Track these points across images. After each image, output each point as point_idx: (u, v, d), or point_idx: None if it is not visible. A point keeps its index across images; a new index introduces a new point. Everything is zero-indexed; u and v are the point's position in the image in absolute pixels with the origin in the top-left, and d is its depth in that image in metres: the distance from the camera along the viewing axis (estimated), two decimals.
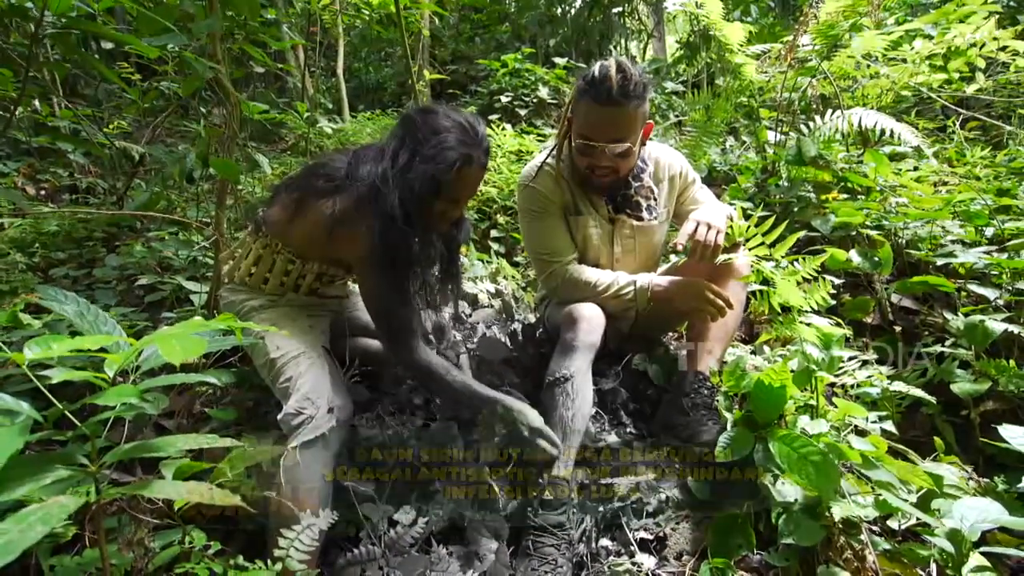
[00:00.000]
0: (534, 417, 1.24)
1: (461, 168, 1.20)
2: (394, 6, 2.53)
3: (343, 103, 4.36)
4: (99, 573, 0.95)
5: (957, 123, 3.31)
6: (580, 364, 1.34)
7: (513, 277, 2.32)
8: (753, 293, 1.51)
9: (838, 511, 0.99)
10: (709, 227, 1.34)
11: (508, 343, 1.63)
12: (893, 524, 1.11)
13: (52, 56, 2.37)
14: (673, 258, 2.27)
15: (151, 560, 0.93)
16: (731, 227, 1.32)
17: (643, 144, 1.48)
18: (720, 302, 1.36)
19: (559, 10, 6.45)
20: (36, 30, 0.97)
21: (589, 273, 1.50)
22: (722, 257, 1.35)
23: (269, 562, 0.91)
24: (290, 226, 1.31)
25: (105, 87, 3.42)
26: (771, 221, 1.26)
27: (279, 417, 1.19)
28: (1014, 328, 1.40)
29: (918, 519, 1.02)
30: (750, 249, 1.26)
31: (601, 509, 1.25)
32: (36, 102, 2.72)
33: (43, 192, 3.18)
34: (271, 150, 3.92)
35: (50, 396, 0.78)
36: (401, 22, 2.40)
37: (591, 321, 1.38)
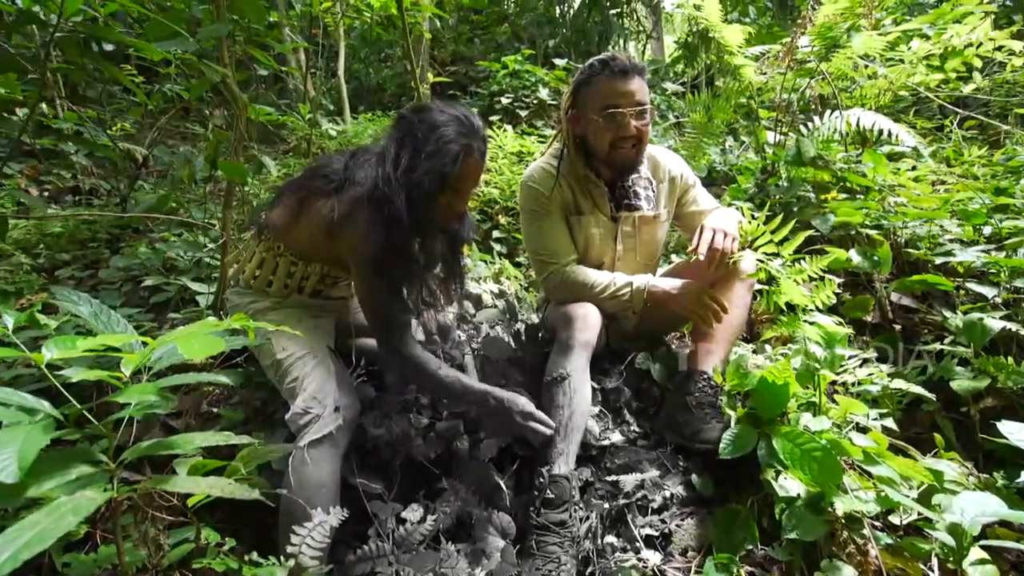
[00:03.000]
0: (524, 403, 1.27)
1: (464, 159, 1.22)
2: (396, 8, 2.54)
3: (344, 104, 4.37)
4: (114, 569, 0.96)
5: (955, 122, 3.33)
6: (577, 363, 1.35)
7: (516, 278, 2.33)
8: (756, 292, 1.52)
9: (841, 506, 1.01)
10: (725, 235, 1.36)
11: (512, 343, 1.65)
12: (895, 519, 1.12)
13: (56, 59, 2.39)
14: (675, 258, 2.29)
15: (164, 556, 0.95)
16: (741, 231, 1.34)
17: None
18: (715, 307, 1.36)
19: (558, 11, 6.48)
20: (52, 35, 0.98)
21: (587, 274, 1.51)
22: (733, 257, 1.36)
23: (282, 558, 0.92)
24: (291, 228, 1.33)
25: (108, 89, 3.43)
26: (779, 220, 1.28)
27: (287, 417, 1.21)
28: (1012, 326, 1.42)
29: (919, 514, 1.04)
30: (757, 248, 1.28)
31: (607, 506, 1.26)
32: (44, 105, 2.73)
33: (46, 194, 3.18)
34: (272, 151, 3.93)
35: (68, 396, 0.79)
36: (404, 24, 2.42)
37: (586, 320, 1.40)
